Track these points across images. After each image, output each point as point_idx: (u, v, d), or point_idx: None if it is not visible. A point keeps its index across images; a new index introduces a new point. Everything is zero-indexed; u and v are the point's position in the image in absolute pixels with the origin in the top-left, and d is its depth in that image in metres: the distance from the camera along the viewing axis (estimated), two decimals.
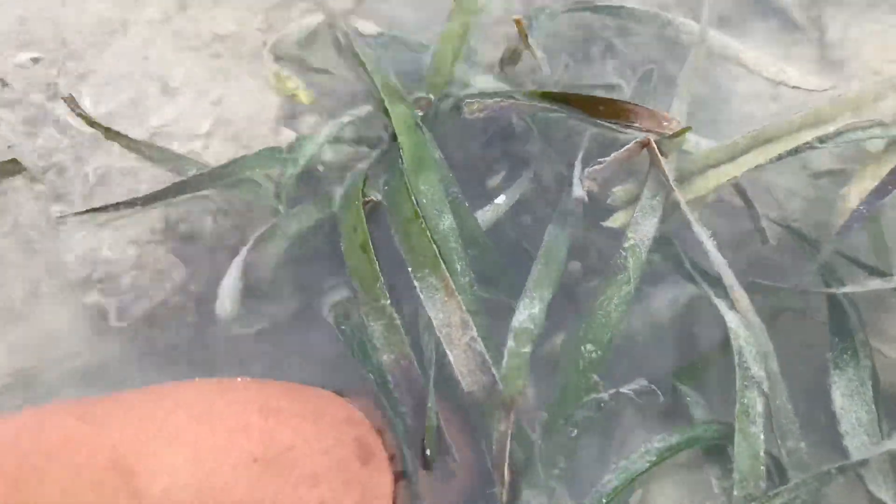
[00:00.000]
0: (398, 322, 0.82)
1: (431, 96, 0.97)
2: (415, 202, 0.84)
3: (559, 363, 0.86)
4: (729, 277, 0.85)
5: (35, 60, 1.01)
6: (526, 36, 0.98)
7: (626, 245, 0.87)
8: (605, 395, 0.80)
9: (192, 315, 0.99)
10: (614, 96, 1.02)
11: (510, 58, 1.03)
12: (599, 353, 0.83)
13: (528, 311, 0.85)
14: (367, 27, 1.09)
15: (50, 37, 1.04)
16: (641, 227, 0.88)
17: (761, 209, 0.95)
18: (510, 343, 0.83)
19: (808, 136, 0.92)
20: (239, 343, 0.99)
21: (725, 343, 0.89)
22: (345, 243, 0.87)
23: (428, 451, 0.76)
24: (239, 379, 0.75)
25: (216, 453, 0.62)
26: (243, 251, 0.90)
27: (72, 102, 0.91)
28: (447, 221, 0.86)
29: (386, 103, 0.92)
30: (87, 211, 0.90)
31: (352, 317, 0.90)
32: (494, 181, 1.05)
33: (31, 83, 1.00)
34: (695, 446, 0.85)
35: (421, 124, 0.92)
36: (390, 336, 0.82)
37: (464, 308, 0.79)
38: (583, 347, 0.84)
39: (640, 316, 0.94)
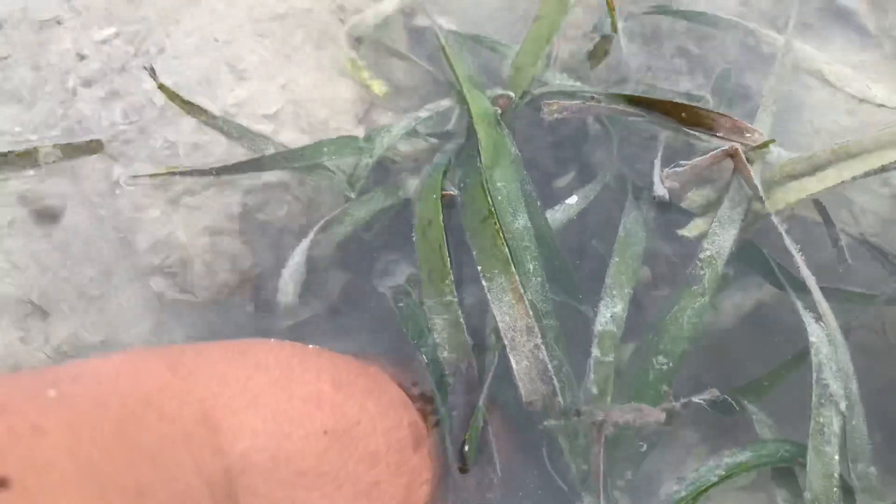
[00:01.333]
0: (462, 321, 0.81)
1: (512, 94, 0.95)
2: (490, 200, 0.83)
3: (628, 373, 0.84)
4: (816, 291, 0.84)
5: (116, 35, 1.01)
6: (615, 23, 0.96)
7: (702, 256, 0.86)
8: (677, 405, 0.79)
9: (254, 298, 0.99)
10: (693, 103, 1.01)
11: (597, 53, 1.01)
12: (671, 365, 0.82)
13: (609, 312, 0.84)
14: (443, 22, 1.09)
15: (129, 13, 1.04)
16: (719, 239, 0.87)
17: (839, 225, 0.93)
18: (595, 352, 0.82)
19: (891, 154, 0.91)
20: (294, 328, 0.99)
21: (798, 359, 0.88)
22: (417, 235, 0.86)
23: (466, 448, 0.75)
24: (310, 346, 0.75)
25: (292, 420, 0.62)
26: (308, 237, 0.90)
27: (153, 74, 0.91)
28: (521, 220, 0.85)
29: (466, 96, 0.91)
30: (161, 174, 0.90)
31: (412, 295, 0.89)
32: (563, 181, 1.04)
33: (108, 59, 1.00)
34: (764, 465, 0.83)
35: (500, 120, 0.91)
36: (453, 334, 0.81)
37: (530, 313, 0.78)
38: (654, 359, 0.82)
39: (711, 324, 0.92)
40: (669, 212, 0.92)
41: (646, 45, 1.11)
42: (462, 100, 0.95)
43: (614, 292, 0.86)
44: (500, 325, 0.78)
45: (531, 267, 0.84)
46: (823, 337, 0.82)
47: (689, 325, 0.84)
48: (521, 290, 0.79)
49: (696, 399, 0.79)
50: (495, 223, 0.82)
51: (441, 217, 0.83)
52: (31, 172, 0.92)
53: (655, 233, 0.95)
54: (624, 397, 0.82)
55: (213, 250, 0.96)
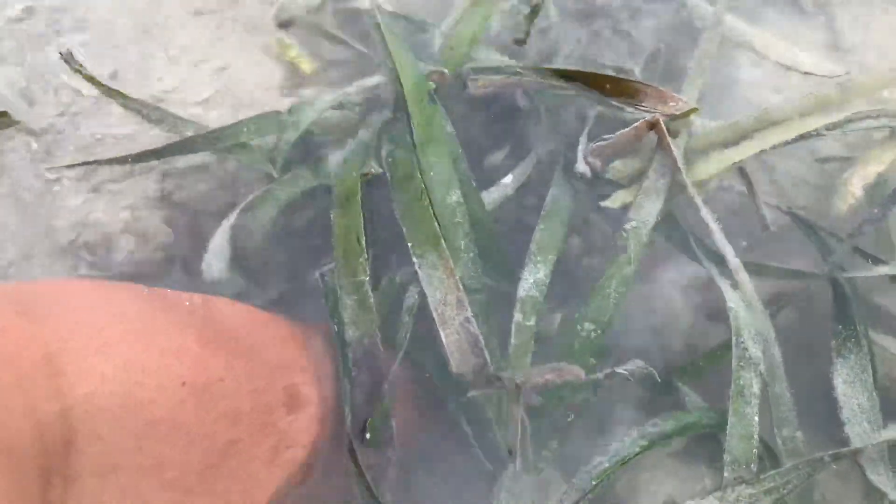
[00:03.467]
0: (371, 300, 0.79)
1: (446, 70, 0.94)
2: (420, 178, 0.82)
3: (556, 342, 0.84)
4: (732, 258, 0.84)
5: (28, 11, 0.99)
6: None
7: (627, 227, 0.86)
8: (600, 376, 0.79)
9: (177, 275, 0.98)
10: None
11: (525, 24, 1.00)
12: (598, 332, 0.82)
13: (532, 278, 0.84)
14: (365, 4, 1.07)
15: None
16: (644, 209, 0.86)
17: (765, 194, 0.93)
18: (517, 316, 0.81)
19: (814, 122, 0.91)
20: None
21: (725, 334, 0.88)
22: (335, 212, 0.85)
23: (368, 435, 0.75)
24: (187, 302, 0.73)
25: (146, 370, 0.61)
26: (232, 214, 0.89)
27: (69, 58, 0.89)
28: (454, 196, 0.85)
29: (399, 71, 0.90)
30: (80, 164, 0.89)
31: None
32: (496, 159, 1.03)
33: (25, 39, 0.98)
34: (688, 433, 0.83)
35: (434, 97, 0.90)
36: (361, 313, 0.80)
37: (461, 287, 0.77)
38: (580, 326, 0.82)
39: (639, 298, 0.92)
40: (599, 184, 0.92)
41: (580, 22, 1.10)
42: (394, 76, 0.94)
43: (538, 258, 0.85)
44: (430, 300, 0.78)
45: (462, 244, 0.84)
46: (740, 302, 0.82)
47: (616, 294, 0.83)
48: (452, 265, 0.78)
49: (619, 370, 0.79)
50: (427, 202, 0.81)
51: (360, 195, 0.82)
52: None
53: (587, 204, 0.95)
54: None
55: (134, 230, 0.95)
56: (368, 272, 0.79)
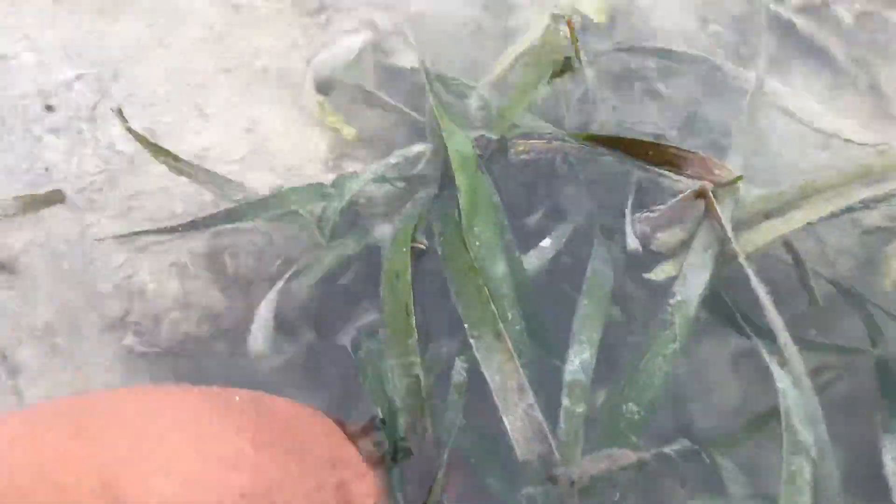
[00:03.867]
0: (422, 384, 0.79)
1: (493, 136, 0.94)
2: (472, 255, 0.82)
3: (600, 422, 0.83)
4: (783, 335, 0.83)
5: (79, 77, 1.00)
6: (577, 39, 0.95)
7: (672, 301, 0.85)
8: (647, 455, 0.78)
9: (223, 345, 0.98)
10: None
11: (559, 71, 1.00)
12: (642, 413, 0.81)
13: (578, 359, 0.83)
14: (410, 59, 1.08)
15: (94, 55, 1.03)
16: (691, 283, 0.86)
17: (809, 263, 0.93)
18: (565, 401, 0.80)
19: (859, 191, 0.91)
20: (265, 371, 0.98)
21: (772, 409, 0.88)
22: (384, 289, 0.85)
23: None
24: (237, 398, 0.72)
25: (206, 484, 0.60)
26: (276, 287, 0.89)
27: (120, 115, 0.89)
28: (501, 268, 0.85)
29: (446, 138, 0.90)
30: (128, 234, 0.89)
31: (371, 343, 0.88)
32: (531, 221, 1.03)
33: (74, 105, 0.98)
34: None
35: (480, 164, 0.91)
36: (411, 399, 0.79)
37: (521, 372, 0.77)
38: (624, 407, 0.81)
39: (684, 372, 0.92)
40: (640, 253, 0.92)
41: (616, 86, 1.11)
42: (440, 142, 0.94)
43: (583, 338, 0.85)
44: (490, 385, 0.77)
45: (510, 315, 0.83)
46: (789, 382, 0.81)
47: (660, 373, 0.82)
48: (511, 348, 0.77)
49: (666, 450, 0.78)
50: (480, 279, 0.81)
51: (409, 272, 0.82)
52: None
53: (627, 274, 0.95)
54: (595, 449, 0.81)
55: (183, 298, 0.95)
56: (419, 354, 0.79)
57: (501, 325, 0.78)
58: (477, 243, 0.86)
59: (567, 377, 0.81)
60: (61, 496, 0.52)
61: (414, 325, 0.80)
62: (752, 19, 1.25)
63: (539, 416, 0.75)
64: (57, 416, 0.59)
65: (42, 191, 0.92)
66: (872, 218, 0.99)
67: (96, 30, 1.07)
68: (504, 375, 0.77)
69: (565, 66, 0.93)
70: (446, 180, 0.91)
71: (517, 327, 0.84)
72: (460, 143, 0.92)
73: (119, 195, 0.97)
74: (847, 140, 1.01)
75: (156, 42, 1.09)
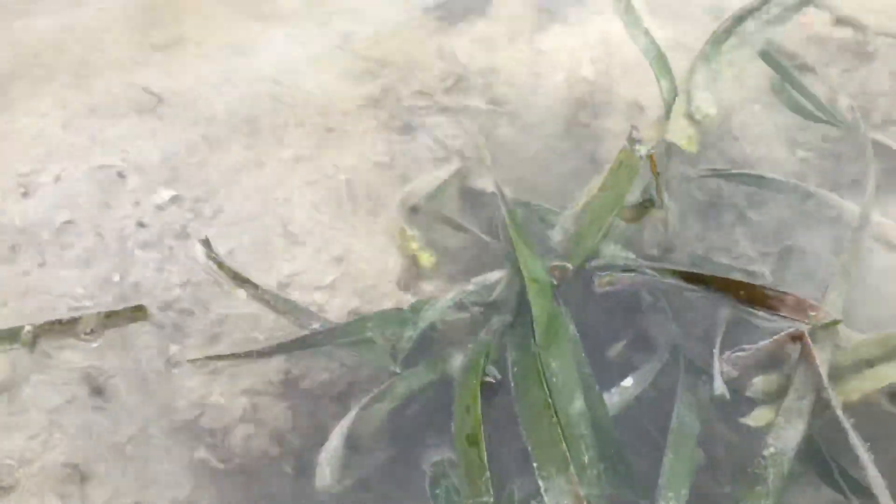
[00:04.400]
0: None
1: (569, 265, 0.93)
2: (546, 389, 0.80)
3: None
4: (885, 496, 0.76)
5: (174, 199, 1.04)
6: (661, 188, 0.94)
7: (765, 453, 0.80)
8: None
9: (291, 467, 0.96)
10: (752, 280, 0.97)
11: (637, 215, 0.98)
12: None
13: None
14: (490, 185, 1.08)
15: (190, 176, 1.08)
16: (785, 433, 0.80)
17: None
18: None
19: None
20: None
21: None
22: (456, 425, 0.83)
23: None
24: None
25: None
26: (347, 419, 0.88)
27: (206, 245, 0.92)
28: (578, 404, 0.82)
29: (522, 267, 0.90)
30: (205, 358, 0.90)
31: (447, 477, 0.85)
32: (614, 352, 0.99)
33: (166, 224, 1.02)
34: None
35: (556, 294, 0.89)
36: None
37: None
38: None
39: None
40: (727, 399, 0.87)
41: (704, 213, 1.08)
42: (515, 269, 0.93)
43: (670, 494, 0.79)
44: None
45: (586, 458, 0.80)
46: None
47: None
48: (581, 493, 0.74)
49: None
50: (553, 417, 0.79)
51: (479, 405, 0.80)
52: (80, 343, 0.93)
53: (714, 414, 0.89)
54: None
55: (254, 417, 0.94)
56: (492, 492, 0.75)
57: (572, 468, 0.75)
58: (554, 379, 0.83)
59: None
60: None
61: (485, 461, 0.77)
62: (843, 144, 1.20)
63: None
64: None
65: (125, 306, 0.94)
66: None
67: (198, 155, 1.12)
68: None
69: (645, 204, 0.91)
70: (522, 309, 0.90)
71: (594, 471, 0.79)
72: (536, 271, 0.90)
73: (205, 319, 0.99)
74: None
75: (253, 164, 1.13)
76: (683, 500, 0.79)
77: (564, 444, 0.77)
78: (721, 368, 0.84)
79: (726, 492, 0.85)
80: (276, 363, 0.97)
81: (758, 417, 0.83)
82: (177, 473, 0.95)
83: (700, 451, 0.91)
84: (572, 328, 0.89)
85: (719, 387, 0.83)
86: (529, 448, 0.78)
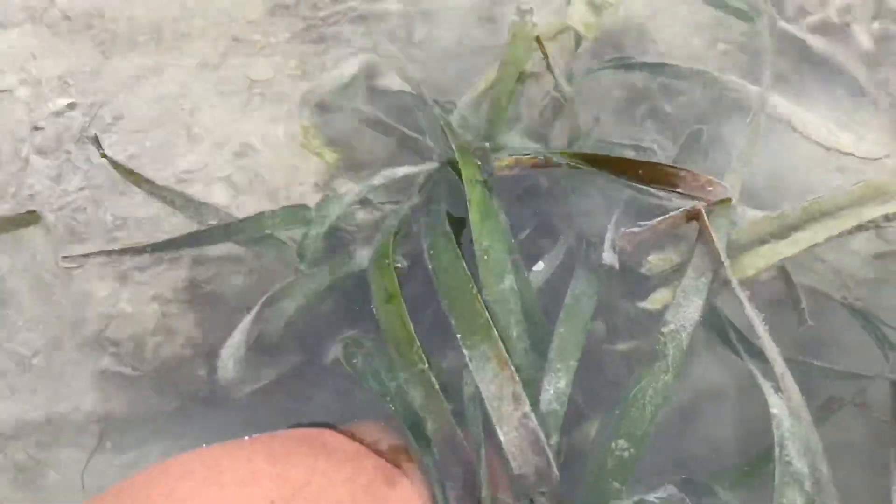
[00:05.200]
0: (437, 388, 0.76)
1: (488, 144, 0.92)
2: (464, 266, 0.80)
3: (589, 457, 0.78)
4: (777, 362, 0.77)
5: (71, 106, 1.01)
6: (547, 56, 0.93)
7: (665, 330, 0.79)
8: None
9: (203, 370, 0.96)
10: (650, 158, 0.97)
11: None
12: (632, 451, 0.75)
13: (553, 388, 0.78)
14: (397, 82, 1.06)
15: (88, 84, 1.04)
16: (684, 310, 0.80)
17: (821, 287, 0.88)
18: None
19: (868, 212, 0.85)
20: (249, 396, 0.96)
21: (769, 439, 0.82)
22: (378, 307, 0.82)
23: None
24: (246, 438, 0.72)
25: None
26: (249, 315, 0.87)
27: (96, 143, 0.89)
28: (508, 282, 0.82)
29: (458, 156, 0.88)
30: (97, 253, 0.88)
31: (362, 347, 0.86)
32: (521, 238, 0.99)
33: (62, 129, 0.99)
34: None
35: (487, 180, 0.88)
36: (432, 403, 0.76)
37: (517, 380, 0.74)
38: (614, 444, 0.76)
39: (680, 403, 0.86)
40: (629, 276, 0.87)
41: (617, 110, 1.07)
42: (445, 158, 0.92)
43: (558, 365, 0.80)
44: (483, 394, 0.74)
45: (515, 332, 0.80)
46: (785, 409, 0.75)
47: (651, 406, 0.76)
48: (506, 356, 0.74)
49: (649, 498, 0.73)
50: (473, 287, 0.78)
51: (396, 282, 0.80)
52: None
53: (614, 292, 0.90)
54: (582, 484, 0.76)
55: (162, 324, 0.93)
56: (426, 360, 0.76)
57: (495, 332, 0.75)
58: (485, 257, 0.83)
59: (542, 409, 0.77)
60: None
61: (412, 332, 0.77)
62: (761, 39, 1.20)
63: (535, 425, 0.71)
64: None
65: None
66: (888, 237, 0.93)
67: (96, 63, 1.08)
68: (498, 383, 0.74)
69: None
70: (433, 195, 0.89)
71: (523, 345, 0.80)
72: (468, 159, 0.89)
73: (104, 224, 0.97)
74: (847, 153, 0.94)
75: (154, 71, 1.09)
76: (572, 371, 0.79)
77: (488, 313, 0.77)
78: (614, 243, 0.84)
79: (617, 349, 0.87)
80: (183, 271, 0.96)
81: (655, 300, 0.84)
82: (87, 385, 0.94)
83: (601, 324, 0.92)
84: (502, 213, 0.88)
85: (608, 257, 0.83)
86: (452, 321, 0.78)
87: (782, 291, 0.89)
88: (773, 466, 0.73)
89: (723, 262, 0.81)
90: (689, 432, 0.91)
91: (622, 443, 0.76)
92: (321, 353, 0.93)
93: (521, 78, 0.93)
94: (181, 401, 0.95)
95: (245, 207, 0.98)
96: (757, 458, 0.84)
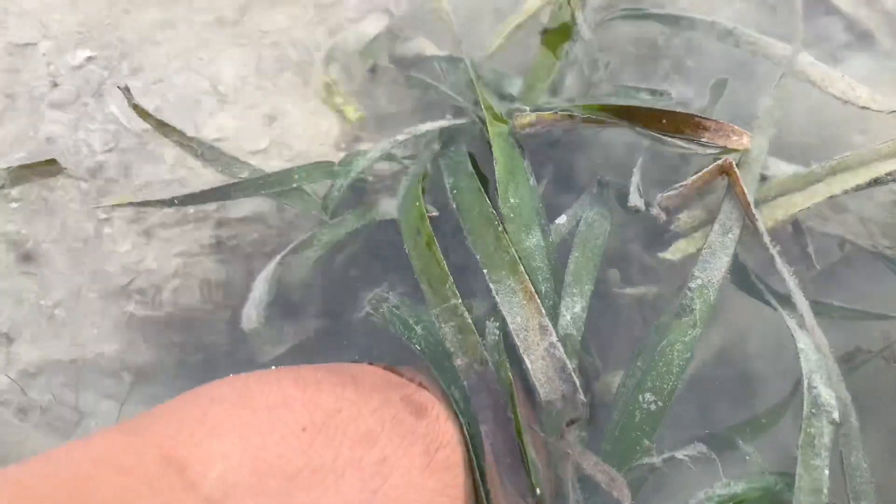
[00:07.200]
0: (470, 322, 0.76)
1: (527, 108, 0.92)
2: (489, 201, 0.81)
3: (615, 409, 0.79)
4: (802, 303, 0.79)
5: (89, 59, 1.00)
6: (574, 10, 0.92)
7: (692, 285, 0.79)
8: (656, 461, 0.74)
9: (225, 320, 0.97)
10: (666, 101, 0.98)
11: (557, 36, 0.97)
12: (659, 404, 0.75)
13: (569, 314, 0.79)
14: (427, 45, 1.06)
15: (106, 37, 1.03)
16: (711, 266, 0.80)
17: (849, 236, 0.88)
18: None
19: (888, 165, 0.85)
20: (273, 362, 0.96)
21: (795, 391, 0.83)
22: (409, 247, 0.83)
23: (539, 491, 0.71)
24: (273, 368, 0.73)
25: (261, 430, 0.60)
26: (272, 263, 0.87)
27: (127, 93, 0.88)
28: (534, 238, 0.82)
29: (486, 112, 0.89)
30: (127, 204, 0.88)
31: (387, 303, 0.87)
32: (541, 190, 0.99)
33: (82, 83, 0.98)
34: (758, 497, 0.77)
35: (514, 136, 0.89)
36: (464, 338, 0.77)
37: (543, 311, 0.75)
38: (641, 397, 0.76)
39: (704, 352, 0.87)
40: (641, 225, 0.88)
41: (639, 66, 1.06)
42: (475, 115, 0.93)
43: (574, 290, 0.80)
44: (510, 326, 0.75)
45: (543, 289, 0.80)
46: (811, 344, 0.76)
47: (679, 361, 0.77)
48: (531, 288, 0.75)
49: (679, 455, 0.74)
50: (499, 225, 0.79)
51: (428, 222, 0.80)
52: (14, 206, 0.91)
53: (632, 241, 0.91)
54: (606, 437, 0.77)
55: (186, 274, 0.94)
56: (458, 295, 0.77)
57: (521, 266, 0.76)
58: (512, 214, 0.83)
59: (560, 331, 0.78)
60: (128, 475, 0.52)
61: (446, 268, 0.78)
62: None
63: (562, 354, 0.72)
64: (103, 431, 0.60)
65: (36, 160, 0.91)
66: None
67: (113, 16, 1.07)
68: (524, 316, 0.75)
69: (561, 32, 0.89)
70: (451, 144, 0.89)
71: (550, 302, 0.80)
72: (496, 115, 0.89)
73: (131, 186, 0.97)
74: (864, 107, 0.93)
75: (171, 25, 1.08)
76: (587, 295, 0.80)
77: (514, 249, 0.78)
78: (638, 187, 0.84)
79: (634, 293, 0.87)
80: (208, 229, 0.96)
81: (675, 250, 0.84)
82: (110, 331, 0.95)
83: (616, 271, 0.93)
84: (529, 168, 0.88)
85: (635, 199, 0.83)
86: (479, 258, 0.78)
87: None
88: (790, 416, 0.74)
89: (754, 217, 0.81)
90: (706, 384, 0.92)
91: (649, 396, 0.76)
92: (343, 316, 0.94)
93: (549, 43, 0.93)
94: (205, 353, 0.96)
95: (269, 164, 0.98)
96: (774, 409, 0.85)
